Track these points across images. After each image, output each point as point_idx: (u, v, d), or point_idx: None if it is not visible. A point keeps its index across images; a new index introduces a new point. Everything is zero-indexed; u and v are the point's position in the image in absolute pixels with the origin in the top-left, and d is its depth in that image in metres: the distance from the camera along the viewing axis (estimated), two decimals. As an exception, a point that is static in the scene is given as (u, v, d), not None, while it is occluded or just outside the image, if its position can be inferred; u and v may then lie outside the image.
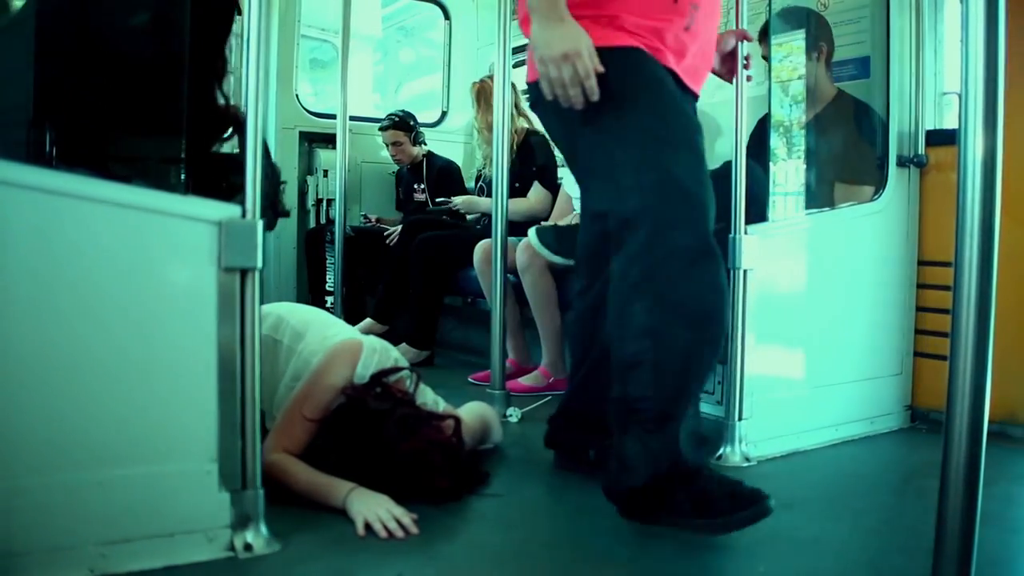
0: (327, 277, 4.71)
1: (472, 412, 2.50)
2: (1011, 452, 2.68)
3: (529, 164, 4.27)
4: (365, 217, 5.06)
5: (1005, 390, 2.62)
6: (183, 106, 2.05)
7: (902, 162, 3.04)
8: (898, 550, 1.90)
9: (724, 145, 3.72)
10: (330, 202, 5.21)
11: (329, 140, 4.88)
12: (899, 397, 3.05)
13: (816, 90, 3.23)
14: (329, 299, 4.68)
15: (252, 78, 1.75)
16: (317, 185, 5.18)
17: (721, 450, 2.54)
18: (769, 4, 3.16)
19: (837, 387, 2.85)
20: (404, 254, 4.35)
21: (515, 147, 4.26)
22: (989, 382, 1.35)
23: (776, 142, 3.15)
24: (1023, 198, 2.43)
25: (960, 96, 1.35)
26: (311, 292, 4.83)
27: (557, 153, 3.99)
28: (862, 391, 2.95)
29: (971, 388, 1.34)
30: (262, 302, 1.80)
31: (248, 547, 1.73)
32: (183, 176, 2.45)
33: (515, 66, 4.64)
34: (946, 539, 1.38)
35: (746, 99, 2.52)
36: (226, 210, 1.73)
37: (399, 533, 1.87)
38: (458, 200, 4.53)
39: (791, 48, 3.24)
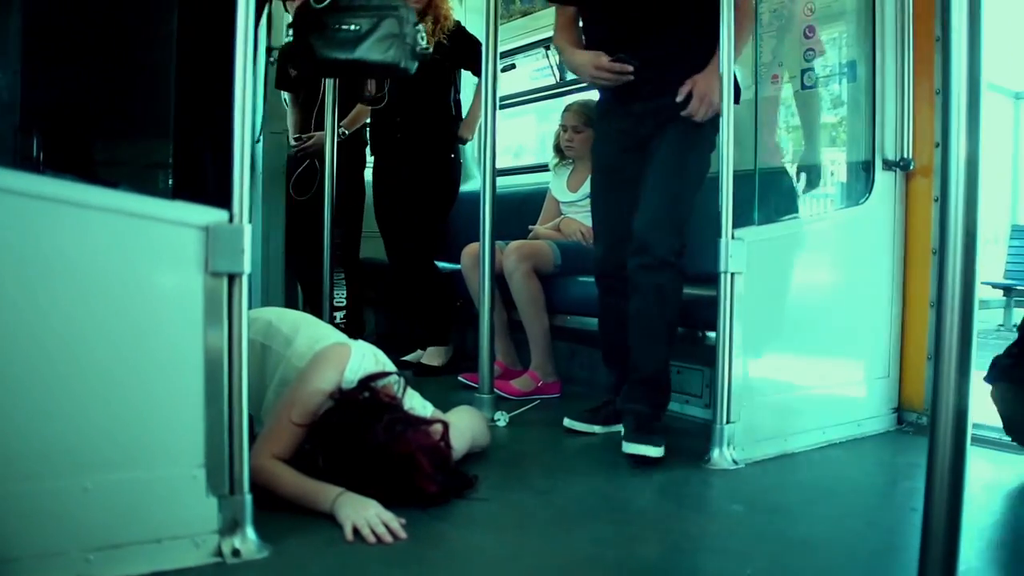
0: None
1: (460, 416, 2.50)
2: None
3: (466, 52, 4.17)
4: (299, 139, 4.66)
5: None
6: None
7: (888, 165, 3.05)
8: (885, 551, 1.91)
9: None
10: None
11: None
12: (886, 400, 3.06)
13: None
14: (338, 315, 4.38)
15: (240, 81, 1.75)
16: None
17: (709, 453, 2.54)
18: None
19: (824, 390, 2.87)
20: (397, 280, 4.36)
21: (445, 31, 4.15)
22: (971, 383, 1.36)
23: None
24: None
25: (942, 97, 1.36)
26: (308, 304, 4.68)
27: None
28: (849, 394, 2.97)
29: (955, 389, 1.35)
30: (250, 307, 1.80)
31: (236, 552, 1.73)
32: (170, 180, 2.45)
33: (503, 70, 4.67)
34: (932, 540, 1.39)
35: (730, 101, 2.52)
36: (213, 215, 1.72)
37: (387, 538, 1.86)
38: None
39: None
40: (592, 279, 3.04)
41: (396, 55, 2.47)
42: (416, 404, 2.33)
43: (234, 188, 1.74)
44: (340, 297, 4.44)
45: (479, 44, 3.76)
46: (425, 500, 2.05)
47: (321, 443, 2.07)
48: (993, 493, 2.37)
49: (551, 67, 5.16)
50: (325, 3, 2.43)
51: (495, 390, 3.26)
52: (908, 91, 3.04)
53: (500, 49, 3.17)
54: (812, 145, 3.48)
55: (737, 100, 2.56)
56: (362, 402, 2.09)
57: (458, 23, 4.28)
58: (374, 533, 1.86)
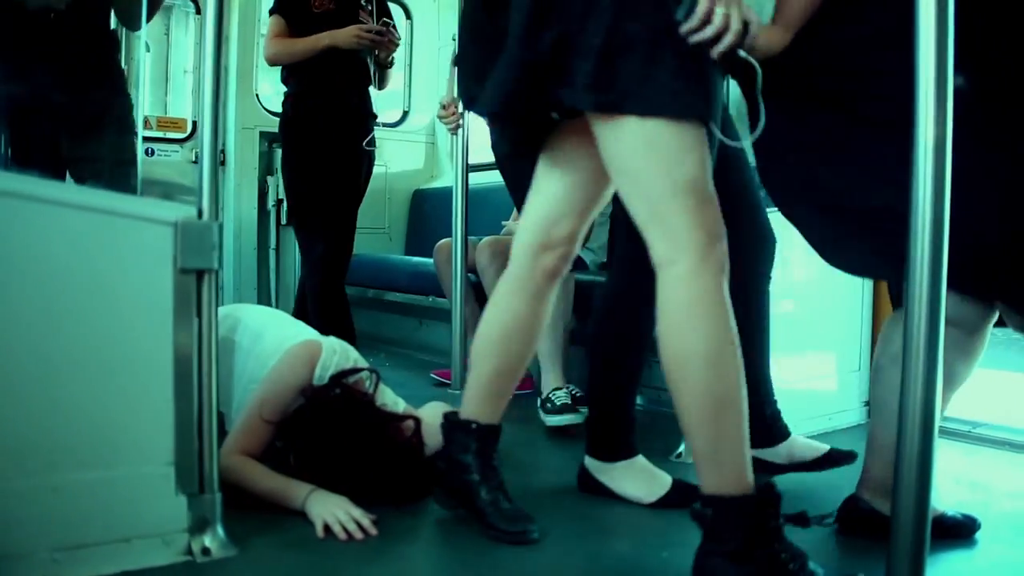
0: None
1: (433, 413, 2.49)
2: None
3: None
4: None
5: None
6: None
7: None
8: (854, 543, 1.92)
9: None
10: (291, 203, 5.16)
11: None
12: (857, 393, 3.09)
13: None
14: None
15: (209, 77, 1.73)
16: (277, 186, 5.11)
17: (680, 448, 2.55)
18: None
19: (796, 384, 2.88)
20: None
21: None
22: (940, 375, 1.37)
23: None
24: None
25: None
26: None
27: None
28: (821, 388, 2.99)
29: (923, 381, 1.36)
30: (220, 303, 1.78)
31: (206, 551, 1.71)
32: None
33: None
34: (900, 531, 1.40)
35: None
36: (181, 211, 1.71)
37: (358, 535, 1.86)
38: None
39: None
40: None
41: None
42: (388, 400, 2.31)
43: (203, 183, 1.72)
44: None
45: None
46: (397, 497, 2.04)
47: (292, 440, 2.06)
48: (961, 485, 2.39)
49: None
50: None
51: (467, 386, 3.25)
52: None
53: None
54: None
55: None
56: (334, 399, 2.08)
57: None
58: (345, 530, 1.86)
